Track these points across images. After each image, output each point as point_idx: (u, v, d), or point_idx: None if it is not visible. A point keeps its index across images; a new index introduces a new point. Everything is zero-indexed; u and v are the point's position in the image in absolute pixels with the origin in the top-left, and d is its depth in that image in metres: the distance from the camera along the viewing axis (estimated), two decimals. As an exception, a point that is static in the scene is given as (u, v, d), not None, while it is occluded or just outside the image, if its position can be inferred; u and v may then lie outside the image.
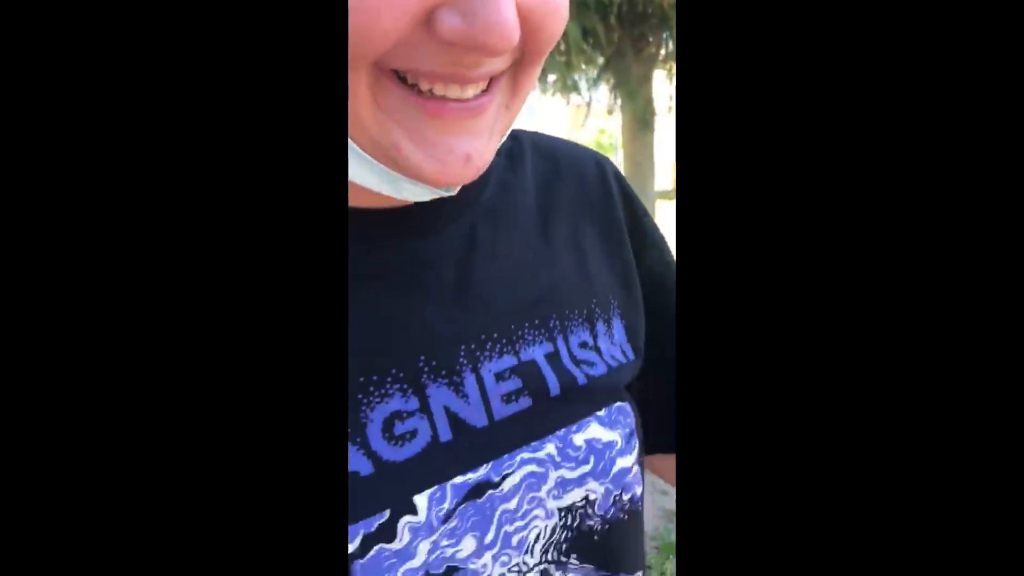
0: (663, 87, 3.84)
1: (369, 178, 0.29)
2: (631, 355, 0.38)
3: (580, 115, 4.23)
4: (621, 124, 3.91)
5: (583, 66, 3.49)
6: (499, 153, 0.38)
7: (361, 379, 0.30)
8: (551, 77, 3.70)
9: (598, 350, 0.36)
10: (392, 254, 0.32)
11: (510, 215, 0.36)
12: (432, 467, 0.30)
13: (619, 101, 3.73)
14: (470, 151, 0.27)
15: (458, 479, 0.30)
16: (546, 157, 0.40)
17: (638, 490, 0.36)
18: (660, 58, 3.48)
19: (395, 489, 0.29)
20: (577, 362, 0.35)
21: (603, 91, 3.87)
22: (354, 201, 0.31)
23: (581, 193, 0.40)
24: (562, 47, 3.13)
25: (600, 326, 0.37)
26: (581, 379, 0.34)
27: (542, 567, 0.33)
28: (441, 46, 0.24)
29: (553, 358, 0.34)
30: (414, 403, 0.30)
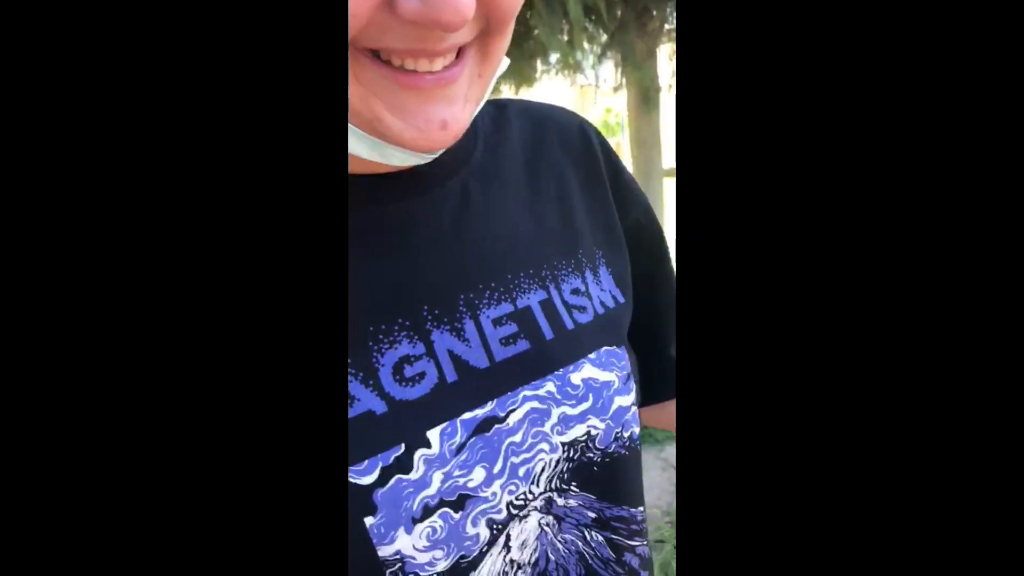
0: (668, 64, 3.79)
1: (359, 148, 0.31)
2: (621, 299, 0.41)
3: (588, 95, 4.20)
4: (627, 102, 3.88)
5: (586, 44, 3.45)
6: (485, 119, 0.41)
7: (371, 328, 0.32)
8: (554, 57, 3.67)
9: (589, 296, 0.39)
10: (392, 213, 0.34)
11: (500, 173, 0.39)
12: (442, 405, 0.33)
13: (624, 79, 3.69)
14: (446, 117, 0.29)
15: (467, 415, 0.33)
16: (531, 120, 0.42)
17: (636, 429, 0.38)
18: (664, 32, 3.44)
19: (409, 425, 0.31)
20: (569, 308, 0.38)
21: (608, 69, 3.83)
22: (351, 169, 0.33)
23: (565, 152, 0.42)
24: (565, 26, 3.10)
25: (588, 274, 0.39)
26: (570, 324, 0.37)
27: (546, 495, 0.35)
28: (405, 25, 0.26)
29: (547, 304, 0.37)
30: (421, 348, 0.33)
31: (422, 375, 0.33)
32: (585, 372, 0.36)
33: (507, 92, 3.98)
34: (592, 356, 0.37)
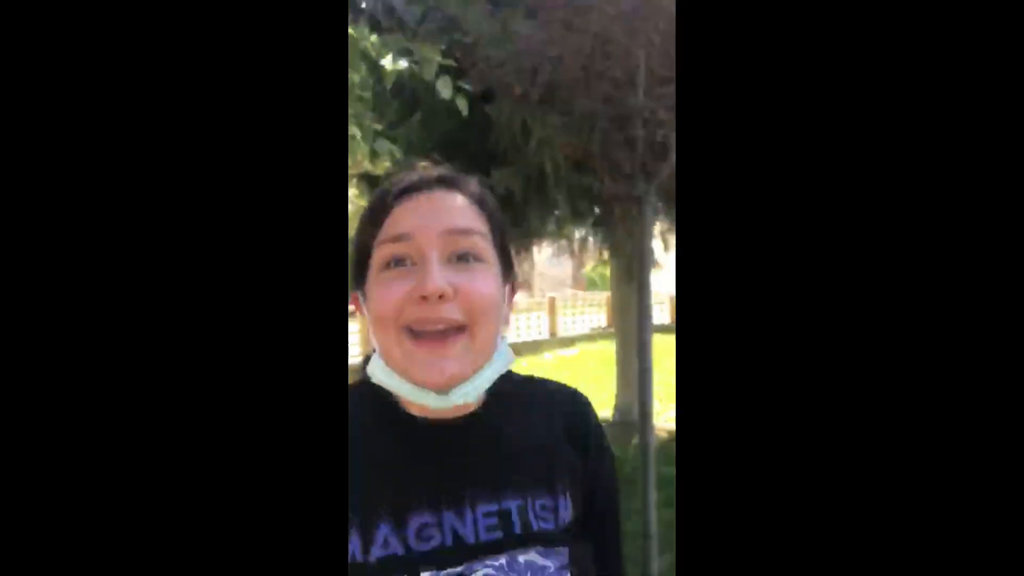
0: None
1: (404, 391, 0.51)
2: (567, 520, 0.55)
3: (576, 263, 4.83)
4: (611, 270, 4.52)
5: (573, 227, 4.17)
6: (502, 386, 0.56)
7: (412, 503, 0.50)
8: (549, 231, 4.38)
9: (555, 511, 0.54)
10: (435, 443, 0.53)
11: (504, 428, 0.56)
12: (437, 559, 0.49)
13: (607, 254, 4.35)
14: (445, 367, 0.48)
15: (448, 569, 0.49)
16: (535, 392, 0.60)
17: None
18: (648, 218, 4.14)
19: (413, 565, 0.48)
20: (536, 516, 0.53)
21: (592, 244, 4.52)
22: (411, 409, 0.53)
23: (557, 418, 0.59)
24: (556, 212, 3.82)
25: (560, 498, 0.55)
26: (535, 526, 0.52)
27: None
28: (418, 301, 0.47)
29: (521, 509, 0.52)
30: (435, 520, 0.50)
31: (431, 536, 0.49)
32: (530, 556, 0.50)
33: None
34: (539, 548, 0.51)
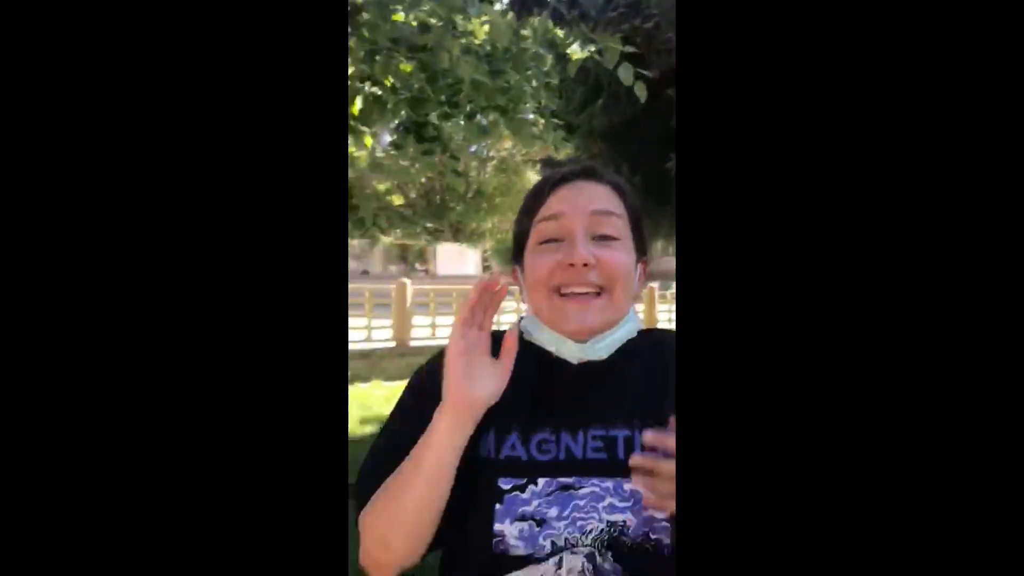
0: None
1: (551, 343, 0.61)
2: None
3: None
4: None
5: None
6: (637, 341, 0.64)
7: (537, 423, 0.59)
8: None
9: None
10: (565, 376, 0.62)
11: (626, 367, 0.63)
12: (553, 469, 0.58)
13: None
14: (587, 321, 0.59)
15: (560, 479, 0.57)
16: (651, 341, 0.66)
17: (664, 538, 0.56)
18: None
19: (533, 471, 0.57)
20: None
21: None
22: (552, 355, 0.63)
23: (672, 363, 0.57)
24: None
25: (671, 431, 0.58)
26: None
27: (590, 549, 0.55)
28: (567, 268, 0.57)
29: (628, 439, 0.58)
30: (552, 438, 0.59)
31: (548, 450, 0.58)
32: (635, 484, 0.54)
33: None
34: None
